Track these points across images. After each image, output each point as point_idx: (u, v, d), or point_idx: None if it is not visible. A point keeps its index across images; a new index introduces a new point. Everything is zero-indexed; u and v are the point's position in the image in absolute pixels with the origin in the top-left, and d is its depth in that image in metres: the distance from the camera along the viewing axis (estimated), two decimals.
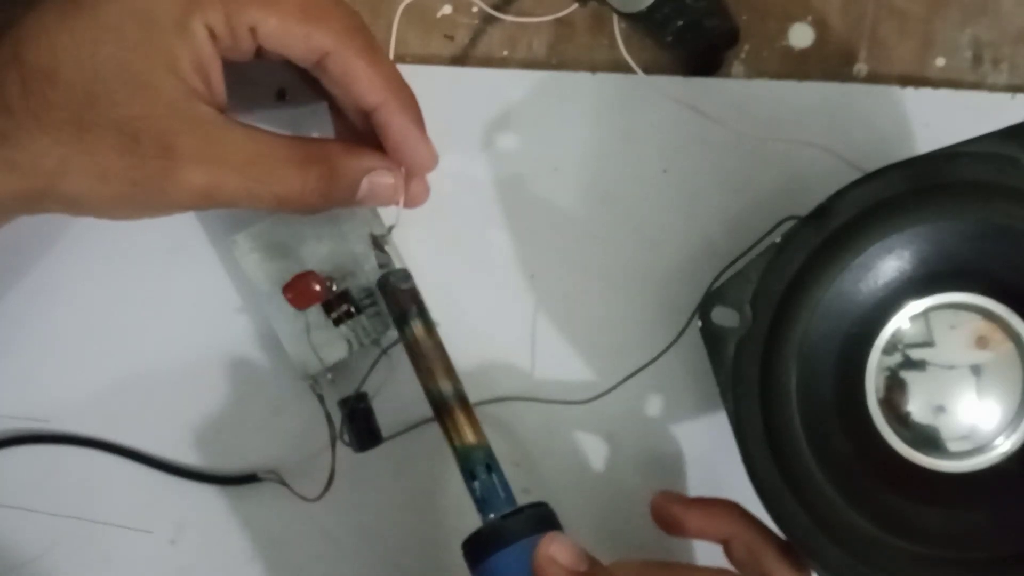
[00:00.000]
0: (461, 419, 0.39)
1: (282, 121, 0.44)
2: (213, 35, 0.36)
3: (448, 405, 0.39)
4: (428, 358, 0.40)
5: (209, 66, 0.37)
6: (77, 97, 0.36)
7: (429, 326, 0.40)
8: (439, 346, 0.40)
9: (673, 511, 0.39)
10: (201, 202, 0.37)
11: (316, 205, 0.39)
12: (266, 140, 0.38)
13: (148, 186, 0.36)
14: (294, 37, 0.37)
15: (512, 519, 0.38)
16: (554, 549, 0.36)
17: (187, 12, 0.36)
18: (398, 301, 0.40)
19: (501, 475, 0.39)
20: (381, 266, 0.42)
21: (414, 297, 0.41)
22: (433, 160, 0.41)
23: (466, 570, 0.38)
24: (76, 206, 0.38)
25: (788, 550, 0.38)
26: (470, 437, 0.39)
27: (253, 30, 0.37)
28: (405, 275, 0.41)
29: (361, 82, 0.38)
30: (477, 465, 0.39)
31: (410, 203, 0.42)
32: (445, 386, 0.40)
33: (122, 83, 0.36)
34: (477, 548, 0.38)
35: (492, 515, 0.38)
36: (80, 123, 0.36)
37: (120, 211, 0.38)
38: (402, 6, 0.44)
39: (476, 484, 0.39)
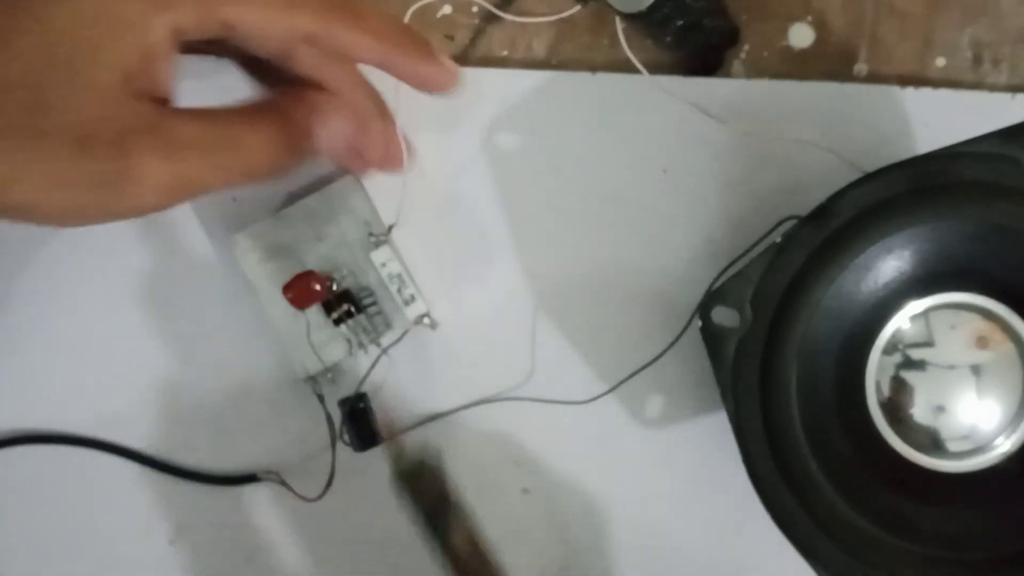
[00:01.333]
0: None
1: None
2: (179, 33, 0.36)
3: None
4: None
5: (164, 64, 0.36)
6: (28, 103, 0.34)
7: (472, 533, 0.35)
8: (486, 559, 0.34)
9: None
10: (169, 197, 0.36)
11: (284, 162, 0.38)
12: (216, 115, 0.37)
13: (109, 189, 0.35)
14: (276, 27, 0.36)
15: None
16: None
17: (148, 13, 0.35)
18: (428, 503, 0.34)
19: None
20: (398, 466, 0.38)
21: (444, 497, 0.35)
22: (449, 76, 0.40)
23: None
24: (30, 214, 0.36)
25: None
26: None
27: (228, 26, 0.36)
28: (437, 457, 0.37)
29: (355, 51, 0.38)
30: None
31: (387, 164, 0.42)
32: None
33: (74, 88, 0.35)
34: None
35: None
36: (32, 130, 0.34)
37: (78, 218, 0.37)
38: (411, 10, 0.43)
39: None
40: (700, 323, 0.38)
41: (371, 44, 0.38)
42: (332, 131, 0.39)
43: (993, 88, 0.44)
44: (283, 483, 0.45)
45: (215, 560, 0.46)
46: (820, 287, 0.37)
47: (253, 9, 0.36)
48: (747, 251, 0.39)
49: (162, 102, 0.36)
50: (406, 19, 0.43)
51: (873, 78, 0.44)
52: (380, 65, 0.39)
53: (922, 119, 0.43)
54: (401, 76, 0.40)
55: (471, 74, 0.45)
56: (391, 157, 0.42)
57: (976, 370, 0.38)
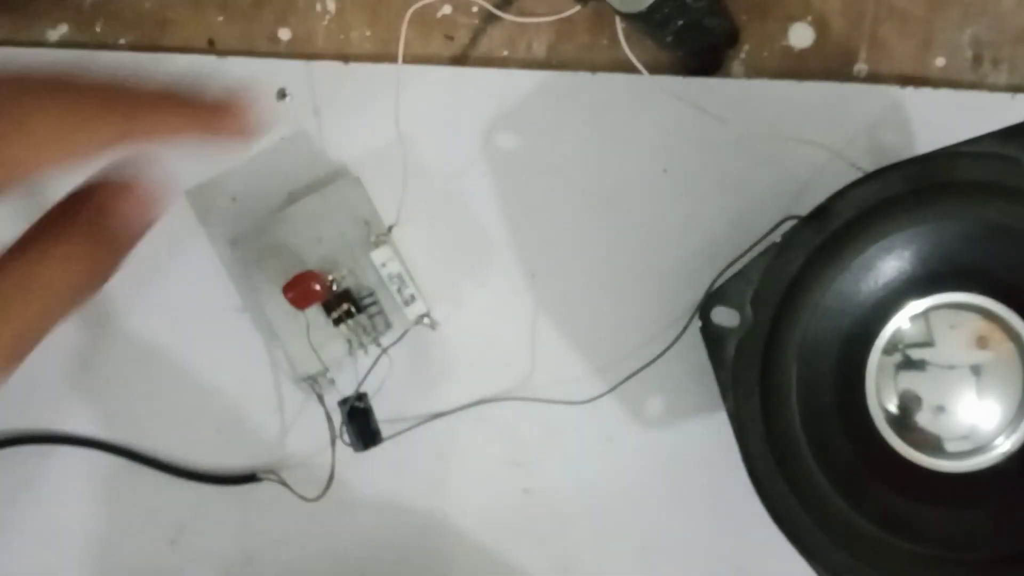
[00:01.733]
0: None
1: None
2: None
3: None
4: None
5: None
6: None
7: None
8: None
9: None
10: (9, 363, 0.33)
11: (105, 269, 0.35)
12: (18, 259, 0.34)
13: None
14: (77, 159, 0.34)
15: None
16: None
17: None
18: None
19: None
20: None
21: None
22: (249, 127, 0.36)
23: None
24: None
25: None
26: None
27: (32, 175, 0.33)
28: None
29: (166, 135, 0.35)
30: None
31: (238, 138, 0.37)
32: None
33: None
34: None
35: None
36: None
37: None
38: (411, 11, 0.43)
39: None
40: (700, 323, 0.38)
41: (173, 122, 0.35)
42: (129, 218, 0.36)
43: (993, 88, 0.44)
44: (283, 483, 0.45)
45: (215, 560, 0.46)
46: (820, 287, 0.37)
47: (51, 153, 0.33)
48: (747, 251, 0.39)
49: None
50: (406, 19, 0.43)
51: (873, 78, 0.44)
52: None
53: (922, 119, 0.43)
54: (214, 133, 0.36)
55: (471, 74, 0.45)
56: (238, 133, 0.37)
57: (976, 370, 0.38)
